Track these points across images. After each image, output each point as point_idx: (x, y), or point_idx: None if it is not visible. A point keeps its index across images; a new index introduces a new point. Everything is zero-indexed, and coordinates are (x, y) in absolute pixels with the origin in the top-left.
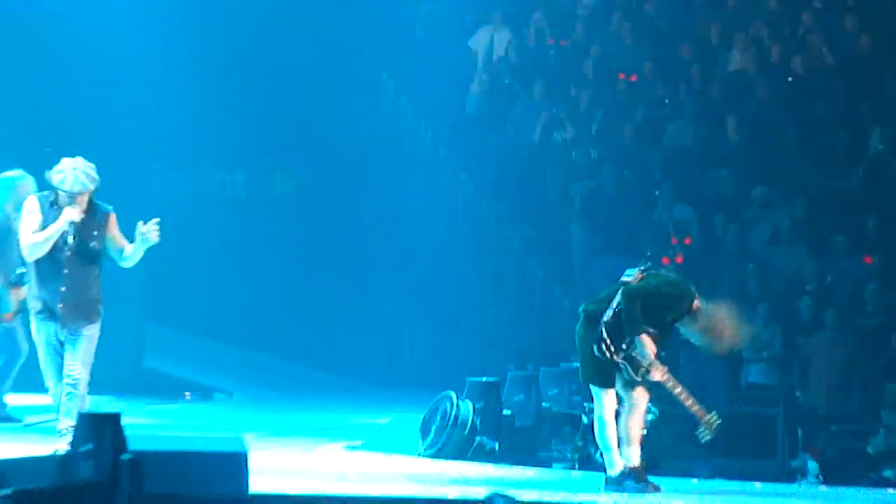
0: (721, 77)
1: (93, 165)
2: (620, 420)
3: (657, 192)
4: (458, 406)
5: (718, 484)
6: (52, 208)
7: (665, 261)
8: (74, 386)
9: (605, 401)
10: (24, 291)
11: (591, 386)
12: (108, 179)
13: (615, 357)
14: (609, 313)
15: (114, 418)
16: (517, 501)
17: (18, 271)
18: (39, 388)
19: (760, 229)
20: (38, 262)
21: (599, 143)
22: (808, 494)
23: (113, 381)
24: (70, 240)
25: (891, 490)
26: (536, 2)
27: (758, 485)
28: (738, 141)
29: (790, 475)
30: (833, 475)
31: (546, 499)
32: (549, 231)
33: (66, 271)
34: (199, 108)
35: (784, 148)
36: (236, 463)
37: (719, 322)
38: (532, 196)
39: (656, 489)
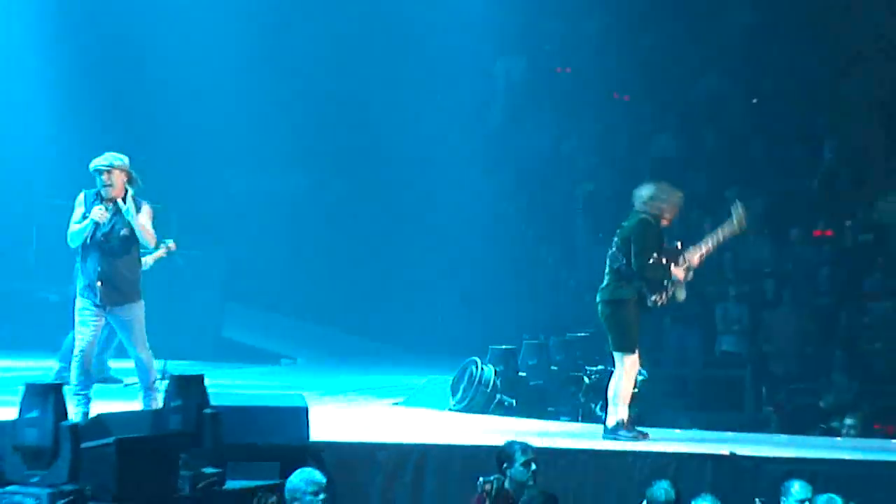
0: (699, 98)
1: (105, 164)
2: (616, 382)
3: None
4: (481, 369)
5: (696, 433)
6: (94, 202)
7: None
8: (142, 369)
9: (628, 365)
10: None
11: (617, 353)
12: (197, 183)
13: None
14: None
15: (198, 379)
16: (530, 447)
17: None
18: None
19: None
20: (81, 246)
21: (598, 153)
22: (770, 441)
23: (197, 349)
24: (107, 229)
25: (837, 437)
26: (545, 35)
27: (729, 433)
28: (713, 150)
29: (756, 425)
30: (791, 425)
31: (554, 445)
32: (558, 224)
33: (101, 255)
34: (271, 122)
35: (750, 156)
36: (298, 416)
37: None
38: (543, 195)
39: (645, 437)
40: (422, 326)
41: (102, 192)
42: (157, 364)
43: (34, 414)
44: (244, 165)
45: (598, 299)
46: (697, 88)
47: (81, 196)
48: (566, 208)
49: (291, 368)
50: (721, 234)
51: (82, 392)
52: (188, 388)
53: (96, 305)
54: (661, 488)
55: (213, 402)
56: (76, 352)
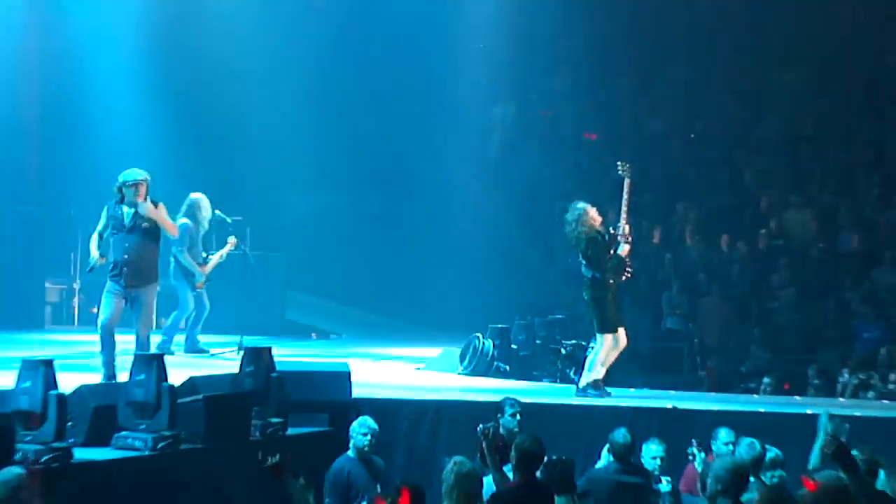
0: (648, 135)
1: (131, 178)
2: (595, 353)
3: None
4: (483, 342)
5: (646, 392)
6: (117, 206)
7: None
8: (138, 343)
9: (607, 343)
10: (208, 268)
11: (599, 334)
12: (265, 199)
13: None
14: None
15: (267, 350)
16: (518, 402)
17: (203, 255)
18: (219, 331)
19: (674, 231)
20: (111, 238)
21: (572, 178)
22: (703, 398)
23: (266, 328)
24: (130, 225)
25: (755, 395)
26: (531, 87)
27: (671, 392)
28: (659, 175)
29: (692, 386)
30: (719, 386)
31: (538, 401)
32: (540, 232)
33: (126, 244)
34: (321, 152)
35: (687, 180)
36: (343, 378)
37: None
38: (529, 209)
39: (608, 395)
40: (437, 309)
41: (129, 198)
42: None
43: (141, 377)
44: (301, 186)
45: (584, 297)
46: (647, 128)
47: (105, 209)
48: (547, 219)
49: (337, 341)
50: (626, 201)
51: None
52: (259, 357)
53: (120, 286)
54: (620, 433)
55: (278, 367)
56: (99, 324)
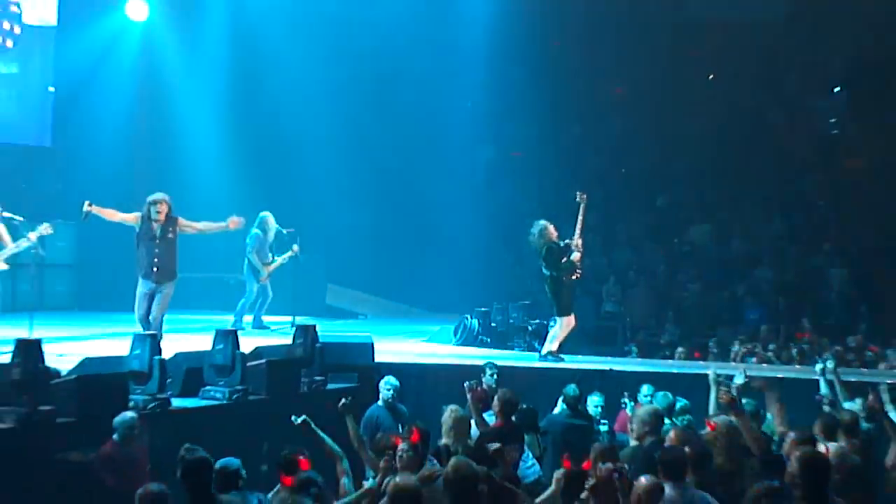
0: (591, 169)
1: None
2: (555, 330)
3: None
4: (470, 321)
5: (591, 358)
6: (145, 221)
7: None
8: (151, 323)
9: (564, 322)
10: (272, 267)
11: (557, 316)
12: (312, 214)
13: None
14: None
15: (312, 327)
16: (496, 365)
17: (269, 256)
18: (278, 313)
19: (611, 240)
20: (143, 247)
21: (536, 200)
22: (631, 362)
23: (311, 310)
24: (160, 235)
25: (670, 360)
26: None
27: (608, 359)
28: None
29: (623, 354)
30: (644, 354)
31: (511, 364)
32: (513, 241)
33: (156, 251)
34: (353, 179)
35: (620, 204)
36: (367, 348)
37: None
38: (505, 224)
39: (562, 360)
40: (436, 296)
41: (153, 215)
42: (286, 321)
43: (220, 346)
44: (337, 204)
45: (545, 289)
46: (590, 164)
47: (138, 217)
48: (517, 232)
49: (363, 321)
50: (581, 221)
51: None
52: (307, 332)
53: (150, 284)
54: (571, 388)
55: (320, 340)
56: (137, 316)
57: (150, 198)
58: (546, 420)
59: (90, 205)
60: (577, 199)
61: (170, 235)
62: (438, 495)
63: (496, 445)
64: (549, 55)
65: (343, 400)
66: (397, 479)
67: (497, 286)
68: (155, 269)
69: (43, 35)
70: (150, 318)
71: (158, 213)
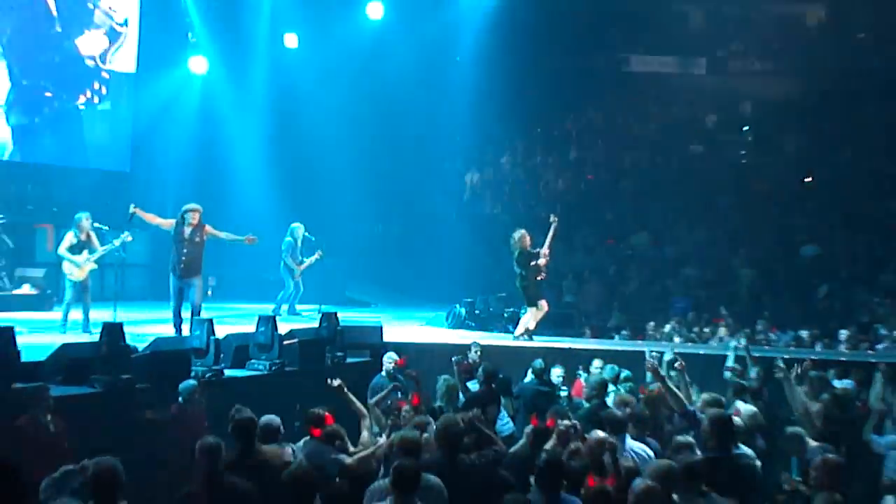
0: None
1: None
2: (526, 318)
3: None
4: (459, 309)
5: (553, 339)
6: (179, 226)
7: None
8: (193, 309)
9: (533, 311)
10: (303, 267)
11: (528, 306)
12: (334, 227)
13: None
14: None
15: (334, 314)
16: (479, 344)
17: (300, 258)
18: (308, 302)
19: (571, 246)
20: (175, 247)
21: (509, 213)
22: (585, 341)
23: (333, 300)
24: (189, 238)
25: (616, 340)
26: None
27: (567, 339)
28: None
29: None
30: (596, 335)
31: (491, 343)
32: (495, 246)
33: (185, 251)
34: (363, 196)
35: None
36: (377, 330)
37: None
38: (485, 231)
39: (531, 339)
40: (432, 289)
41: (186, 221)
42: (314, 308)
43: (263, 329)
44: (352, 217)
45: (517, 285)
46: (552, 186)
47: (174, 223)
48: (498, 239)
49: (374, 309)
50: (551, 236)
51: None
52: (330, 318)
53: (178, 279)
54: (538, 361)
55: (341, 323)
56: (172, 309)
57: (186, 206)
58: (518, 387)
59: (135, 207)
60: (551, 220)
61: (197, 239)
62: (433, 446)
63: (476, 412)
64: (521, 99)
65: (329, 381)
66: (402, 433)
67: (479, 282)
68: (182, 267)
69: (126, 80)
70: (191, 306)
71: (192, 220)
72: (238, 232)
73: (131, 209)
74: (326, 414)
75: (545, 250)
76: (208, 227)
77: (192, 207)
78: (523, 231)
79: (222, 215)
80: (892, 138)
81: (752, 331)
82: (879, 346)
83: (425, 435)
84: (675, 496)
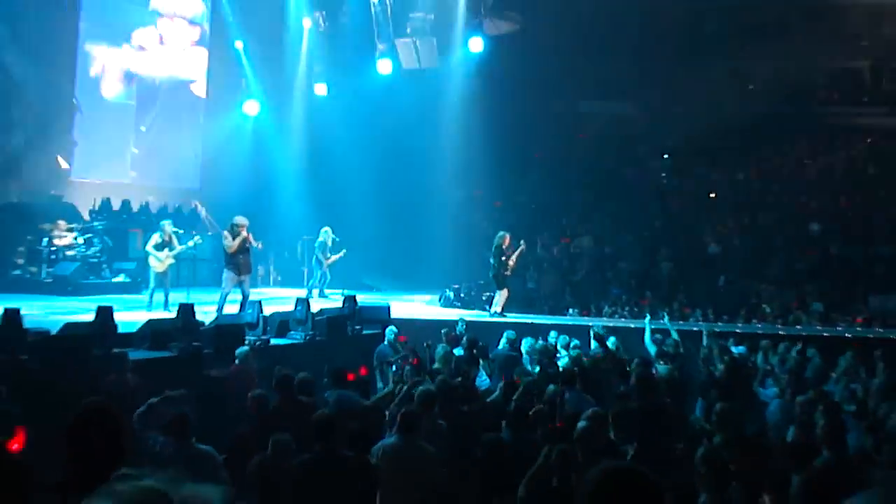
0: (519, 204)
1: (241, 222)
2: (498, 298)
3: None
4: (450, 292)
5: (521, 316)
6: (236, 237)
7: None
8: (244, 294)
9: (503, 293)
10: (330, 261)
11: (498, 290)
12: (349, 227)
13: (508, 264)
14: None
15: (353, 297)
16: (464, 319)
17: (328, 255)
18: (335, 287)
19: (531, 243)
20: (235, 252)
21: (490, 221)
22: (545, 318)
23: (352, 286)
24: (241, 244)
25: (568, 316)
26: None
27: (531, 317)
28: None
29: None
30: (552, 313)
31: (474, 319)
32: (476, 247)
33: (240, 256)
34: (374, 207)
35: (538, 225)
36: (386, 309)
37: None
38: (472, 236)
39: (504, 316)
40: (429, 276)
41: (235, 231)
42: (338, 292)
43: (300, 308)
44: (366, 221)
45: (490, 274)
46: (518, 198)
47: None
48: (478, 242)
49: (383, 292)
50: (518, 253)
51: (221, 306)
52: (351, 299)
53: (236, 275)
54: (510, 332)
55: (358, 304)
56: (224, 293)
57: (238, 220)
58: (494, 353)
59: (196, 204)
60: (520, 243)
61: (246, 245)
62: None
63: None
64: (496, 132)
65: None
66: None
67: (464, 272)
68: (241, 267)
69: (198, 105)
70: (243, 294)
71: (242, 231)
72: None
73: (192, 203)
74: (348, 372)
75: (512, 260)
76: (250, 236)
77: (242, 222)
78: (507, 234)
79: (269, 222)
80: (779, 165)
81: (670, 309)
82: (761, 325)
83: (421, 388)
84: (611, 435)
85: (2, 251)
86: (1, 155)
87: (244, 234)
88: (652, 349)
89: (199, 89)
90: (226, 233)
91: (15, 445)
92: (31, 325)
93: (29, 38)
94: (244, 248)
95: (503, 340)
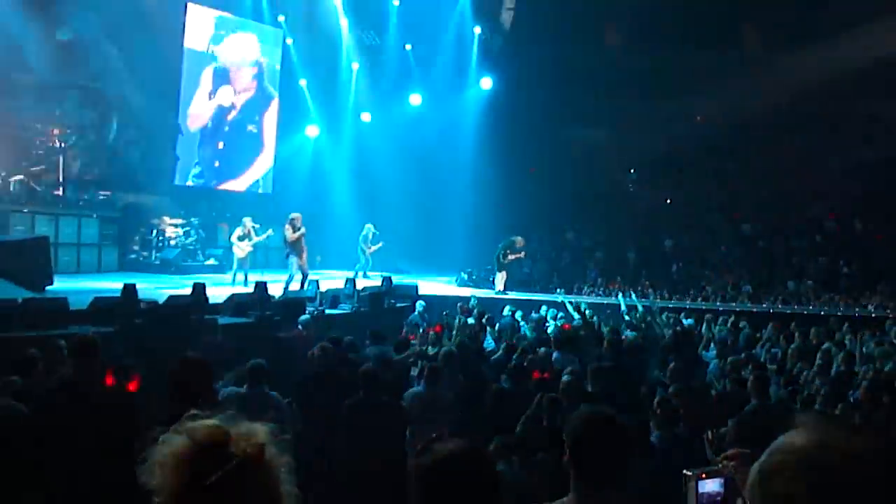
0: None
1: (296, 215)
2: (499, 278)
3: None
4: (463, 274)
5: (519, 293)
6: (297, 230)
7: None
8: (306, 276)
9: (502, 275)
10: (371, 251)
11: (497, 272)
12: (386, 221)
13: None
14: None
15: (389, 278)
16: (475, 297)
17: (369, 246)
18: (377, 270)
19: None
20: (294, 242)
21: (496, 217)
22: (536, 295)
23: (389, 269)
24: (294, 233)
25: (557, 294)
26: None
27: (527, 294)
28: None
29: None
30: (544, 291)
31: (483, 296)
32: (490, 240)
33: (304, 244)
34: (406, 206)
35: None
36: (415, 287)
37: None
38: (486, 227)
39: (506, 294)
40: (447, 261)
41: (297, 226)
42: (378, 274)
43: (348, 285)
44: (400, 218)
45: (494, 261)
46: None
47: (290, 227)
48: (489, 233)
49: (412, 274)
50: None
51: (287, 284)
52: (388, 280)
53: (297, 259)
54: (510, 308)
55: (393, 283)
56: (291, 276)
57: (293, 214)
58: (499, 322)
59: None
60: (522, 253)
61: (298, 234)
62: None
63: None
64: (505, 152)
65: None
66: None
67: (476, 259)
68: (304, 253)
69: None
70: (303, 275)
71: (296, 222)
72: (332, 230)
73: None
74: (383, 335)
75: (510, 258)
76: (292, 232)
77: (296, 215)
78: (520, 238)
79: (325, 220)
80: (716, 180)
81: (635, 290)
82: (704, 303)
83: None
84: (588, 387)
85: (122, 240)
86: (122, 166)
87: (299, 225)
88: (622, 320)
89: (271, 118)
90: (287, 226)
91: (132, 386)
92: (143, 297)
93: (143, 74)
94: (300, 237)
95: (506, 312)
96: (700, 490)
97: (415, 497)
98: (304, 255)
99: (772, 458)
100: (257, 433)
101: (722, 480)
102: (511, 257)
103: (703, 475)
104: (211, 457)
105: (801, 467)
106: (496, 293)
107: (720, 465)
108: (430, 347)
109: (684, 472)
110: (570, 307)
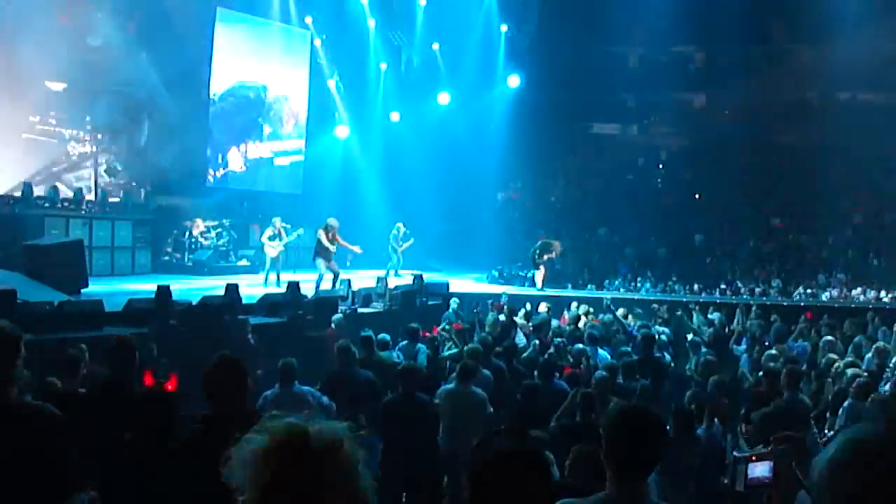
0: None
1: (334, 223)
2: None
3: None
4: (493, 272)
5: (554, 290)
6: (327, 230)
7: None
8: (335, 273)
9: (542, 272)
10: (402, 248)
11: (534, 269)
12: (414, 222)
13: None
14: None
15: (420, 276)
16: (505, 294)
17: (400, 244)
18: (407, 268)
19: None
20: (325, 246)
21: (524, 217)
22: (567, 290)
23: (420, 267)
24: (330, 239)
25: (586, 288)
26: (509, 185)
27: (559, 291)
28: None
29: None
30: (575, 288)
31: (514, 293)
32: (519, 240)
33: (336, 247)
34: (429, 206)
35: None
36: (446, 285)
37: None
38: (513, 231)
39: (543, 291)
40: (478, 260)
41: (330, 230)
42: (409, 272)
43: (380, 284)
44: (430, 218)
45: (529, 254)
46: (544, 204)
47: (324, 232)
48: (518, 231)
49: (443, 272)
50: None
51: (318, 284)
52: (419, 278)
53: (325, 261)
54: (542, 304)
55: (425, 281)
56: (320, 276)
57: (330, 220)
58: (533, 318)
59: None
60: (552, 260)
61: (334, 239)
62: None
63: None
64: (531, 147)
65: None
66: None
67: (505, 256)
68: (333, 256)
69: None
70: (335, 275)
71: (333, 229)
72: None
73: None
74: (422, 331)
75: (546, 256)
76: (339, 236)
77: (334, 223)
78: (559, 243)
79: (356, 219)
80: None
81: (664, 285)
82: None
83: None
84: (619, 380)
85: (156, 242)
86: (156, 172)
87: (332, 237)
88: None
89: (301, 118)
90: (322, 231)
91: (169, 386)
92: (177, 298)
93: (174, 83)
94: (332, 241)
95: (542, 309)
96: (750, 474)
97: (469, 490)
98: (332, 259)
99: (844, 450)
100: (335, 429)
101: (771, 464)
102: (545, 257)
103: (753, 458)
104: (292, 453)
105: (874, 459)
106: (538, 290)
107: (770, 449)
108: (451, 346)
109: (734, 454)
110: (607, 303)
